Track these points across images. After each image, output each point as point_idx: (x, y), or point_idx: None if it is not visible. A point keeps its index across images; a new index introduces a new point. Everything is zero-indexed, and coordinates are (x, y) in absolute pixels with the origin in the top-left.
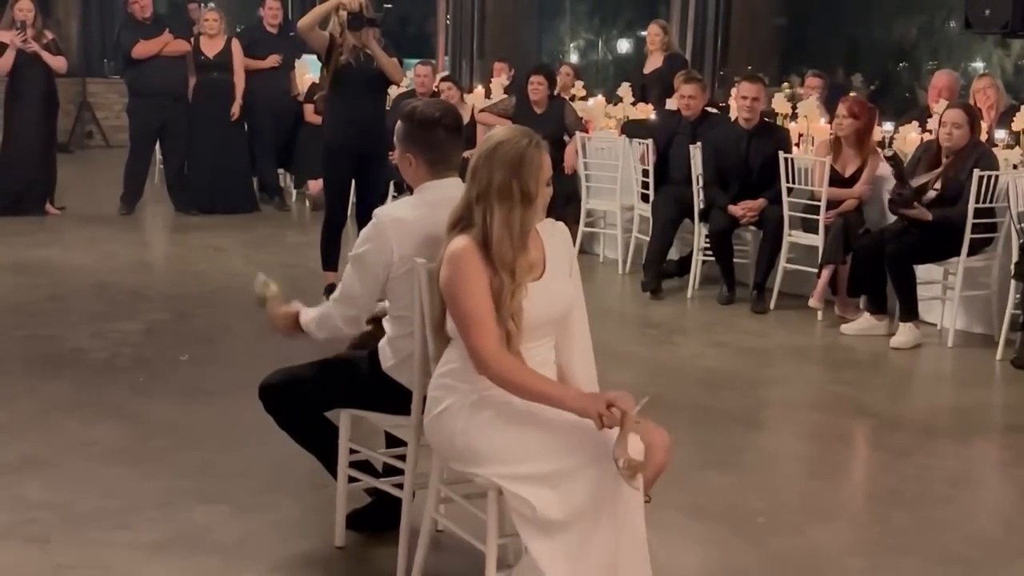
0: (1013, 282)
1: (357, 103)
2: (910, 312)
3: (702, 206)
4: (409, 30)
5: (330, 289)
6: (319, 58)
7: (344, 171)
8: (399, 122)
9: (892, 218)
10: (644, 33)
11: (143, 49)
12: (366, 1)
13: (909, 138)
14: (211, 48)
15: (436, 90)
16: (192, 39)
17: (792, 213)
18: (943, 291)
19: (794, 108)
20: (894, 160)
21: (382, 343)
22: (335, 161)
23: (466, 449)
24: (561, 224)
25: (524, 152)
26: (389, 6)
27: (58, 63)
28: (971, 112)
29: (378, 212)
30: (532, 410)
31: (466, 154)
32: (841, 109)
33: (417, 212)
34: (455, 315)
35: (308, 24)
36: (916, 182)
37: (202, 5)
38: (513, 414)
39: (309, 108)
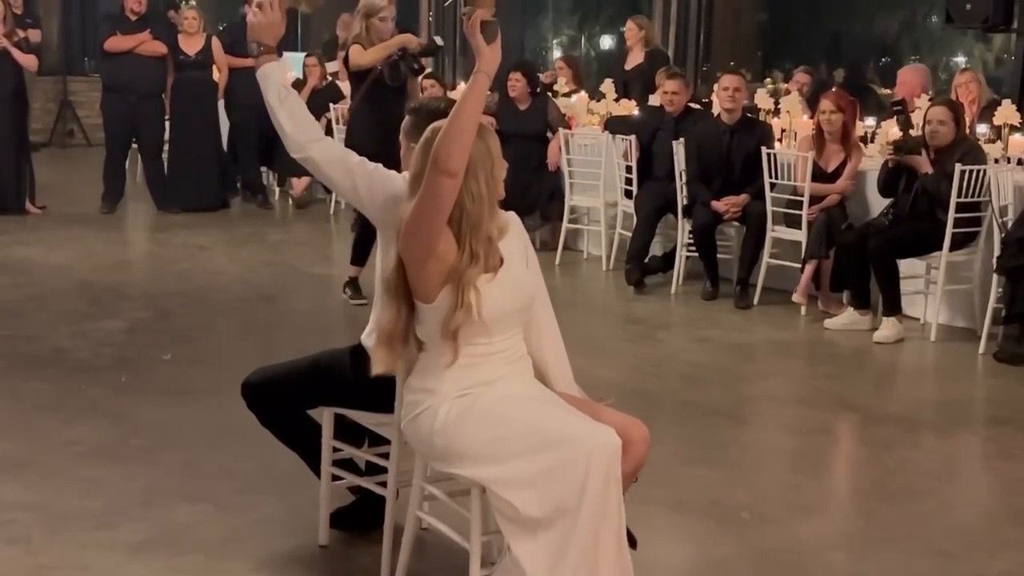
0: (995, 276)
1: (389, 112)
2: (893, 307)
3: (685, 202)
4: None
5: (351, 283)
6: (352, 75)
7: None
8: (407, 117)
9: (875, 213)
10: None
11: (115, 43)
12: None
13: (891, 133)
14: (191, 46)
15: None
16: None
17: (775, 208)
18: (926, 285)
19: (776, 104)
20: (900, 107)
21: (367, 330)
22: None
23: (445, 449)
24: (513, 214)
25: (481, 125)
26: (441, 42)
27: (28, 61)
28: (954, 108)
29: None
30: (509, 409)
31: None
32: (827, 104)
33: None
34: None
35: (369, 64)
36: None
37: (182, 3)
38: (490, 414)
39: None
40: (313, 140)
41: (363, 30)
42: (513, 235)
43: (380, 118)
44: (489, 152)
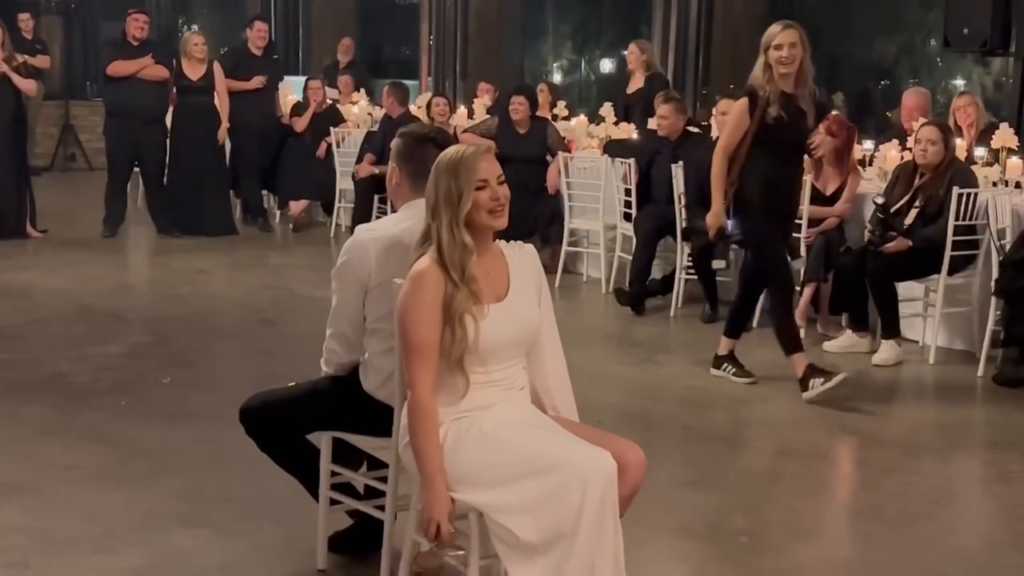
0: (994, 299)
1: (786, 165)
2: (892, 329)
3: (684, 225)
4: (391, 52)
5: (729, 358)
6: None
7: (779, 239)
8: (396, 139)
9: None
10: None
11: (118, 67)
12: None
13: (889, 156)
14: (194, 72)
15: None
16: (174, 64)
17: None
18: (924, 308)
19: None
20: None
21: (362, 363)
22: (770, 230)
23: None
24: (530, 247)
25: (461, 157)
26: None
27: (28, 86)
28: (946, 129)
29: (359, 228)
30: (506, 435)
31: None
32: (819, 127)
33: (399, 228)
34: (401, 338)
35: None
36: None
37: (186, 28)
38: (486, 439)
39: (297, 122)
40: (345, 347)
41: (763, 68)
42: (527, 269)
43: (776, 171)
44: (458, 189)
